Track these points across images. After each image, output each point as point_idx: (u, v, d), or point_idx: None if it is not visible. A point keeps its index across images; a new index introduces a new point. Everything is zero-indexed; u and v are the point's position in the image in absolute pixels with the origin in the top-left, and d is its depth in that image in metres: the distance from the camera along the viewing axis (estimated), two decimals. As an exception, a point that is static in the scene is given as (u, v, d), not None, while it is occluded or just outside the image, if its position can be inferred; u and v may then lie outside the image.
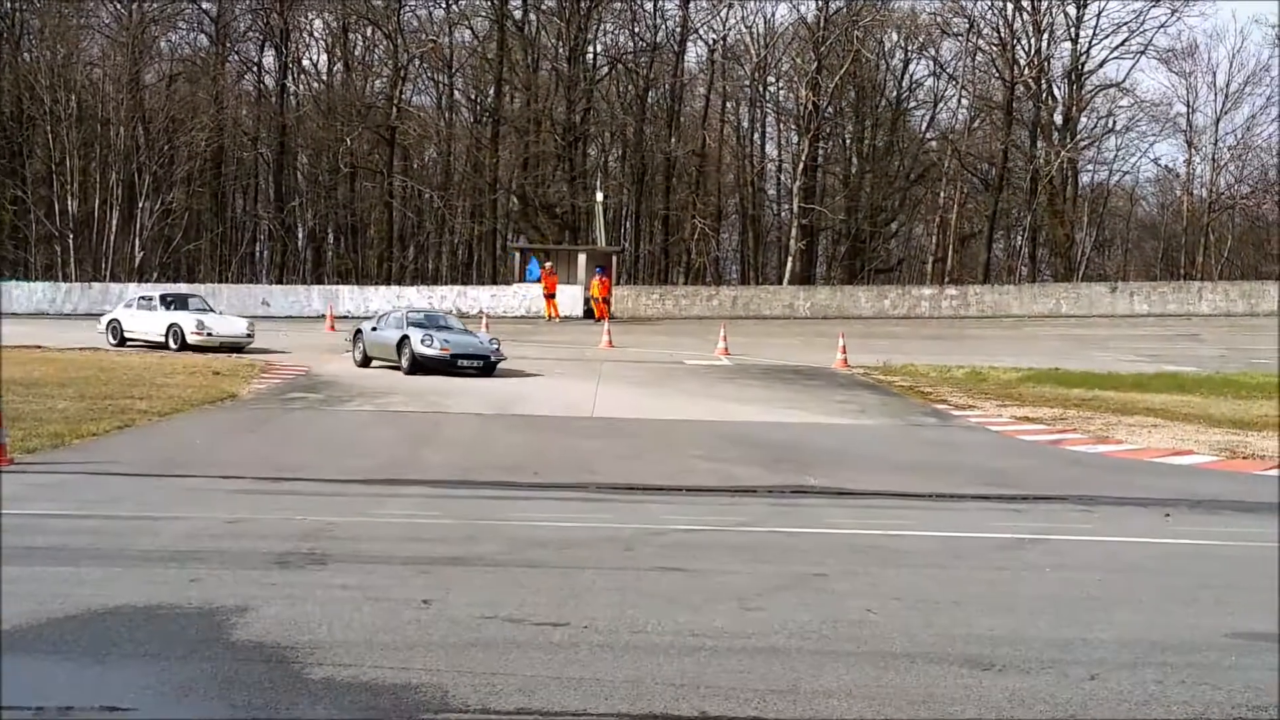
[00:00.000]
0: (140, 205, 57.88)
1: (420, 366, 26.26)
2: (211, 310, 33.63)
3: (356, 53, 69.11)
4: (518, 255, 53.69)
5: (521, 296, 49.41)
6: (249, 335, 31.71)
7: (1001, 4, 63.19)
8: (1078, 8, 62.94)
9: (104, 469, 14.10)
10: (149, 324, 31.92)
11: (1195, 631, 7.92)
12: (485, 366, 26.49)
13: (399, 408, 21.44)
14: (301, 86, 70.48)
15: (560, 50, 65.00)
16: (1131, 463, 16.80)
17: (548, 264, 48.43)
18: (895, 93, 68.69)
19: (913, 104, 69.94)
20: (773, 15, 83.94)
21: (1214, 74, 70.45)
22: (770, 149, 72.61)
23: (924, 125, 70.25)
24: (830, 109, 64.37)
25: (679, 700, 6.37)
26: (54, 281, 53.21)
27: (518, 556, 9.91)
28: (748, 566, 9.65)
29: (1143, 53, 63.98)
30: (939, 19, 64.43)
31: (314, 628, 7.50)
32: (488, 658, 7.00)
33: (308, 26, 68.63)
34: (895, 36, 66.55)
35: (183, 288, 50.83)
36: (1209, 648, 7.54)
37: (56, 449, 15.52)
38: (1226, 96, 65.61)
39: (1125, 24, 63.04)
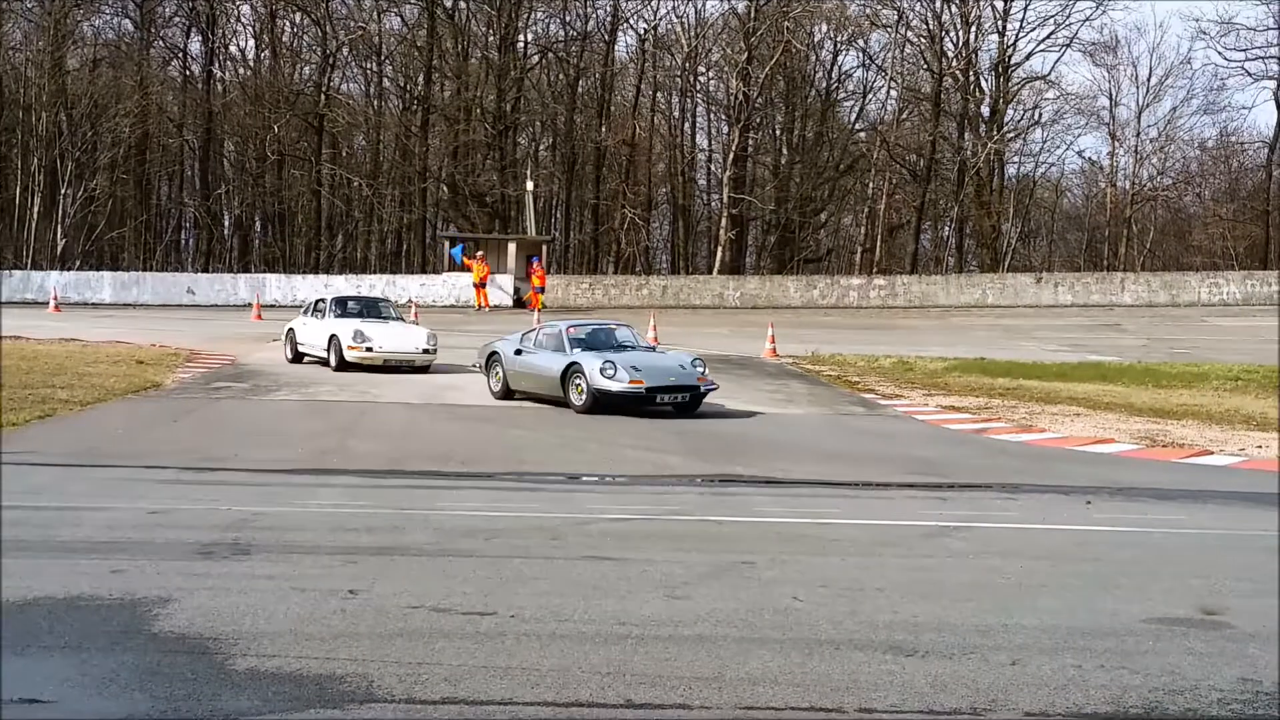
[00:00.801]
0: (63, 192, 57.08)
1: (602, 404, 19.51)
2: (391, 318, 27.13)
3: (284, 39, 68.42)
4: (447, 244, 53.44)
5: (451, 286, 49.21)
6: (428, 351, 25.35)
7: (929, -4, 63.67)
8: (1005, 1, 63.56)
9: (24, 459, 13.88)
10: (315, 335, 26.04)
11: (1114, 617, 8.04)
12: (691, 400, 19.96)
13: (327, 397, 21.29)
14: (228, 73, 69.77)
15: (491, 39, 64.76)
16: (1054, 451, 17.00)
17: (479, 253, 48.24)
18: (825, 84, 69.02)
19: (842, 95, 70.37)
20: (703, 5, 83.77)
21: (1135, 67, 71.48)
22: (701, 139, 72.75)
23: (853, 116, 70.71)
24: (760, 99, 64.54)
25: (605, 689, 6.38)
26: (-27, 269, 52.35)
27: (445, 546, 9.88)
28: (676, 555, 9.68)
29: (1068, 46, 64.70)
30: (868, 11, 64.77)
31: (238, 618, 7.45)
32: (414, 647, 6.98)
33: (235, 12, 67.90)
34: (825, 28, 66.87)
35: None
36: (1128, 633, 7.65)
37: (-25, 439, 15.27)
38: (1148, 89, 66.58)
39: (1051, 17, 63.69)
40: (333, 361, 24.89)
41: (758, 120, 66.21)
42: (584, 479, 14.14)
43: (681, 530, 11.01)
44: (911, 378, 25.49)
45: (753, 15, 62.08)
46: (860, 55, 68.58)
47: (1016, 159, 69.85)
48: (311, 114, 64.06)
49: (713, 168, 71.18)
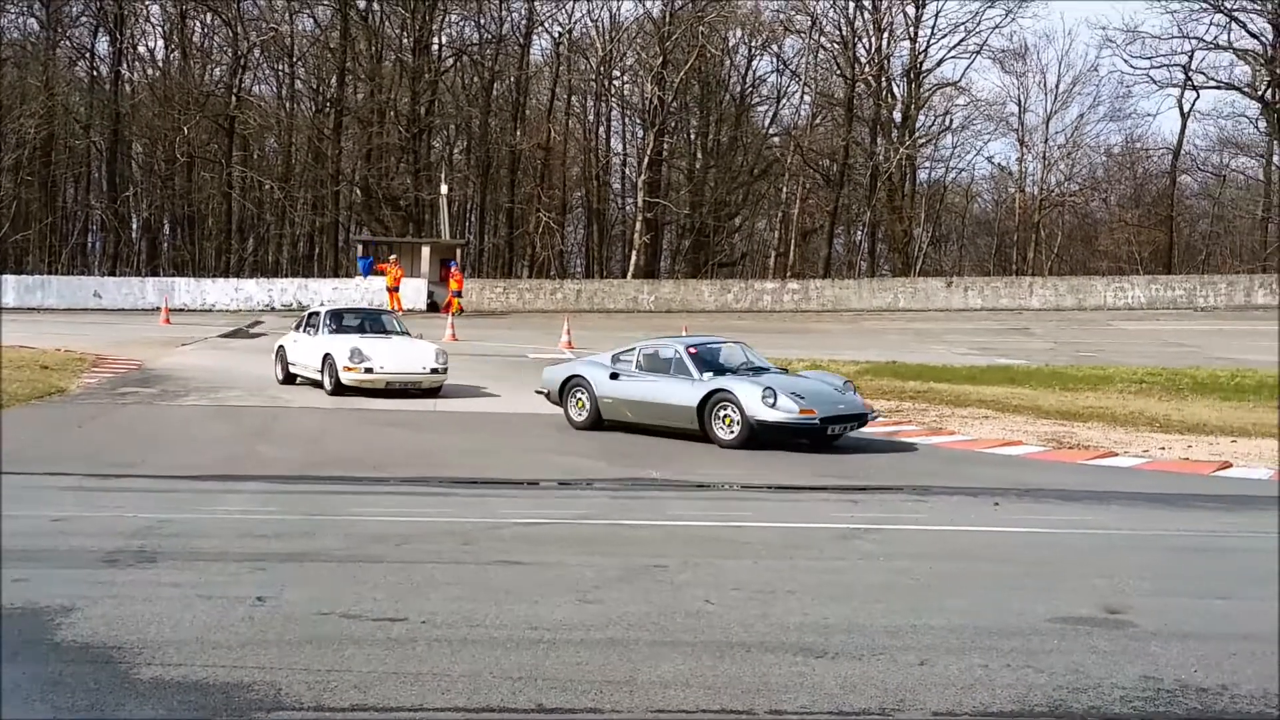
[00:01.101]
0: (-35, 194, 55.95)
1: (759, 439, 16.75)
2: (395, 332, 23.94)
3: (195, 40, 67.58)
4: (360, 248, 53.04)
5: (365, 290, 48.82)
6: (437, 370, 22.42)
7: (843, 2, 64.35)
8: (916, 7, 64.32)
9: (-77, 466, 13.58)
10: (308, 354, 23.08)
11: (1021, 617, 8.14)
12: (857, 426, 17.53)
13: (236, 402, 21.04)
14: (137, 74, 68.69)
15: (405, 41, 64.39)
16: (964, 453, 17.21)
17: (393, 256, 47.93)
18: (739, 88, 69.41)
19: (756, 100, 70.83)
20: (618, 9, 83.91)
21: (1044, 74, 72.60)
22: (615, 143, 72.91)
23: (767, 121, 71.19)
24: (675, 104, 64.78)
25: (516, 693, 6.36)
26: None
27: (356, 552, 9.80)
28: (587, 559, 9.67)
29: (978, 53, 65.66)
30: (782, 16, 65.28)
31: (143, 627, 7.34)
32: (323, 654, 6.91)
33: (144, 12, 66.92)
34: (739, 33, 67.25)
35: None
36: (1033, 632, 7.75)
37: (-128, 446, 14.91)
38: (1056, 96, 67.64)
39: (962, 24, 64.76)
40: (327, 384, 22.04)
41: (672, 124, 66.44)
42: (496, 484, 14.09)
43: (593, 534, 11.01)
44: (824, 381, 25.63)
45: (667, 20, 62.31)
46: (774, 60, 69.24)
47: (928, 164, 70.83)
48: (222, 115, 63.30)
49: (627, 172, 71.33)
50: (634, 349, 18.91)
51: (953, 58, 66.62)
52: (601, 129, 71.98)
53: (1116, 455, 17.01)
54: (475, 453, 16.44)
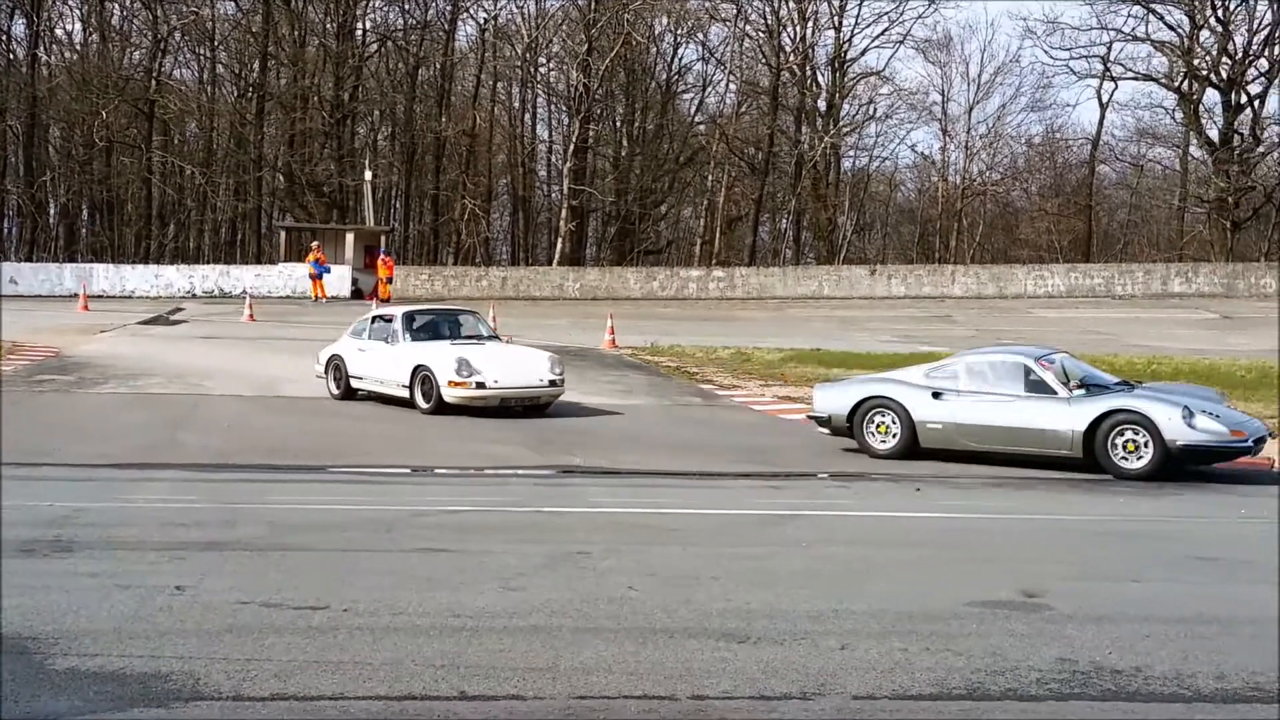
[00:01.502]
0: (-125, 178, 54.76)
1: (1172, 465, 14.17)
2: (485, 336, 20.71)
3: (114, 22, 66.47)
4: (283, 234, 52.53)
5: (287, 277, 48.36)
6: (555, 382, 19.25)
7: (768, -9, 64.43)
8: (840, -3, 64.58)
9: None
10: (382, 366, 19.71)
11: (941, 601, 8.23)
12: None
13: (157, 389, 20.78)
14: (54, 56, 67.43)
15: (328, 26, 63.77)
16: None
17: (315, 243, 47.53)
18: (665, 76, 69.41)
19: (682, 88, 70.80)
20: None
21: (967, 65, 73.23)
22: (541, 130, 72.69)
23: (693, 109, 71.28)
24: (601, 91, 64.65)
25: (439, 681, 6.34)
26: None
27: (277, 540, 9.73)
28: (511, 546, 9.66)
29: (901, 42, 66.03)
30: (708, 4, 65.31)
31: (59, 617, 7.24)
32: (243, 643, 6.85)
33: (61, -6, 65.71)
34: (665, 20, 67.20)
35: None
36: (953, 616, 7.84)
37: None
38: (979, 86, 68.28)
39: (885, 14, 64.99)
40: (422, 403, 18.73)
41: (598, 112, 66.31)
42: (421, 471, 14.03)
43: (517, 521, 11.00)
44: (749, 368, 25.77)
45: (593, 7, 62.15)
46: (700, 49, 69.22)
47: (852, 153, 71.25)
48: (142, 100, 62.32)
49: (553, 159, 71.15)
50: (951, 362, 16.28)
51: (877, 47, 67.17)
52: (527, 116, 71.79)
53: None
54: (395, 440, 16.36)
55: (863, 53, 66.42)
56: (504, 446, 15.86)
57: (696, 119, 70.68)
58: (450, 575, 8.60)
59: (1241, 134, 61.10)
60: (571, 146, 62.61)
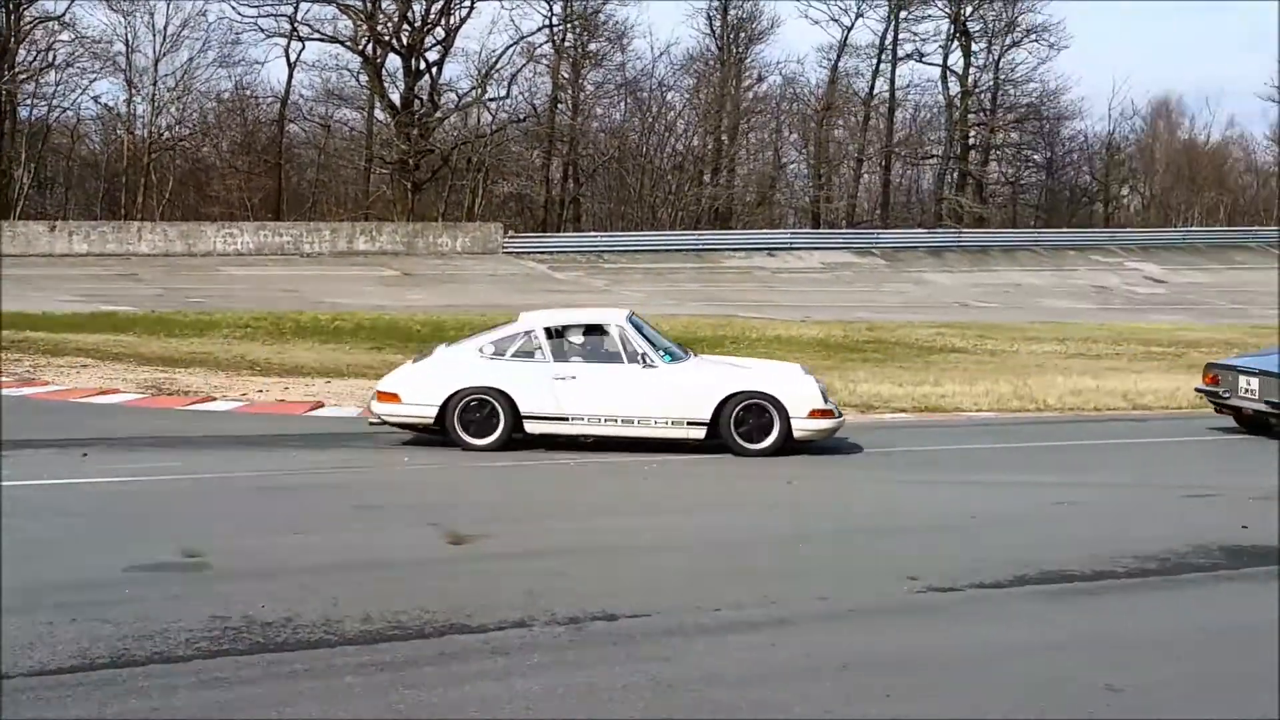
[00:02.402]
0: None
1: None
2: (679, 351, 14.58)
3: None
4: None
5: None
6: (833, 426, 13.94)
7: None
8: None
9: None
10: (634, 394, 13.64)
11: (97, 569, 7.97)
12: None
13: None
14: None
15: None
16: (58, 404, 16.55)
17: None
18: None
19: None
20: None
21: (153, 16, 71.06)
22: None
23: None
24: None
25: None
26: None
27: None
28: None
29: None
30: None
31: None
32: None
33: None
34: None
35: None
36: (108, 584, 7.59)
37: None
38: (166, 38, 66.51)
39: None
40: (743, 443, 13.50)
41: None
42: None
43: None
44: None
45: None
46: None
47: (30, 102, 66.81)
48: None
49: None
50: None
51: (55, -9, 63.43)
52: None
53: (215, 400, 17.18)
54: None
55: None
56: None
57: None
58: None
59: (421, 99, 64.29)
60: None
